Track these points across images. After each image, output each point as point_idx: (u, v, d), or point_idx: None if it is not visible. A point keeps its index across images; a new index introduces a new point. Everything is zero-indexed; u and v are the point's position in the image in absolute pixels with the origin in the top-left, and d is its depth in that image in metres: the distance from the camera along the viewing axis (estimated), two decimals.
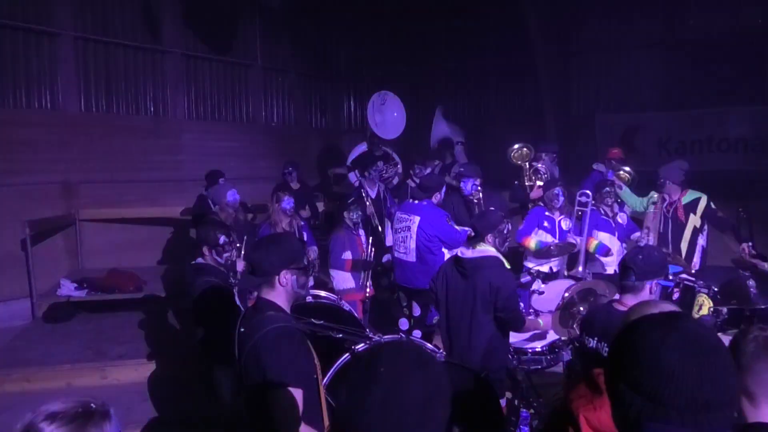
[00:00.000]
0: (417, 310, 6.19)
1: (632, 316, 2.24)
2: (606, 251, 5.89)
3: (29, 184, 7.81)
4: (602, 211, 6.14)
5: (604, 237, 6.01)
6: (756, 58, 9.97)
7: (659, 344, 1.28)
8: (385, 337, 3.33)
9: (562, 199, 6.07)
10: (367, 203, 7.05)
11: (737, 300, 4.74)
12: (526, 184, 7.04)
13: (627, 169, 6.93)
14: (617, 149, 7.60)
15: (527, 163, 7.13)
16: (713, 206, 6.08)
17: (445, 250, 5.80)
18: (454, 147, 9.19)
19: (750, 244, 5.52)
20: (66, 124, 8.39)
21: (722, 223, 6.15)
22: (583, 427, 2.01)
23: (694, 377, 1.23)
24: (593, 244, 5.92)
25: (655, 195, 6.26)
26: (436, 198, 5.88)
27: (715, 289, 4.77)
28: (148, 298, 7.55)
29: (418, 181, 7.77)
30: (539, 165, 7.12)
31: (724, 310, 4.64)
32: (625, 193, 6.45)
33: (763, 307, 4.64)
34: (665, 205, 6.19)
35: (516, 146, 7.26)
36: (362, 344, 3.08)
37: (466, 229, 5.97)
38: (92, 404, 1.62)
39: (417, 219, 5.83)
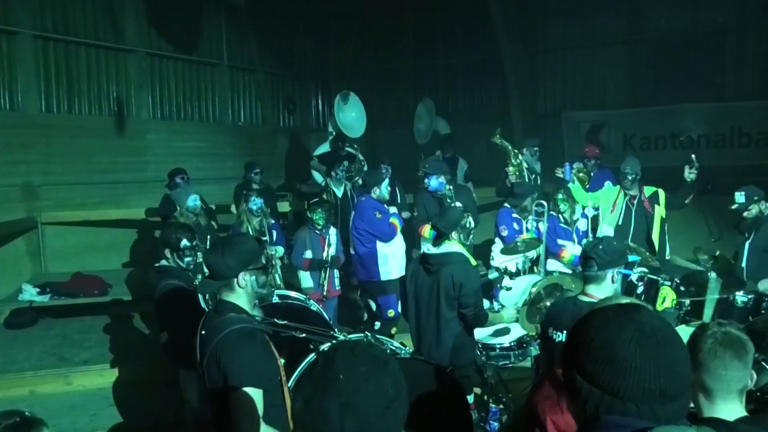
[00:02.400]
0: (374, 305, 6.26)
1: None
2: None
3: None
4: (561, 219, 6.16)
5: (571, 251, 6.02)
6: (715, 56, 10.18)
7: (615, 337, 1.28)
8: (350, 336, 3.31)
9: (528, 200, 6.11)
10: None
11: (699, 292, 4.82)
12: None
13: (579, 165, 6.92)
14: (593, 147, 7.57)
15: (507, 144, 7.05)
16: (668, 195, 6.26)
17: (380, 243, 6.02)
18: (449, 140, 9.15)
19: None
20: (26, 125, 8.20)
21: (679, 198, 6.23)
22: (549, 429, 2.01)
23: (650, 369, 1.24)
24: (569, 257, 5.94)
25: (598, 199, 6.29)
26: (377, 192, 6.06)
27: (678, 281, 4.85)
28: (113, 302, 7.42)
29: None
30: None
31: (687, 301, 4.73)
32: (575, 188, 6.37)
33: (724, 296, 4.73)
34: (628, 199, 6.25)
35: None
36: (327, 344, 3.05)
37: (395, 213, 6.20)
38: (26, 413, 1.61)
39: (353, 214, 6.12)
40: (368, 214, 6.02)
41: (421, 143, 9.03)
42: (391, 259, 6.09)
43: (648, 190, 6.28)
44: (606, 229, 6.17)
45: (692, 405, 1.93)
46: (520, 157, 7.02)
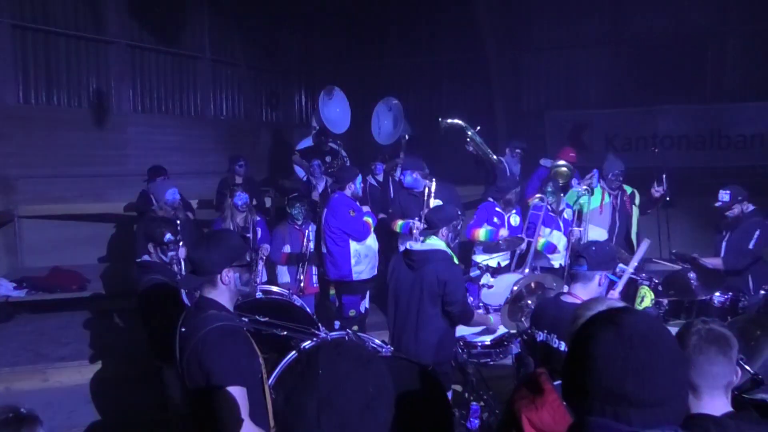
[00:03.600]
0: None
1: (582, 311, 2.28)
2: (553, 249, 5.98)
3: None
4: (549, 208, 6.22)
5: (549, 233, 6.09)
6: (697, 57, 10.31)
7: (592, 336, 1.32)
8: (332, 333, 3.29)
9: (511, 195, 6.15)
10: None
11: (678, 292, 4.88)
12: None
13: (562, 162, 7.03)
14: (570, 150, 7.60)
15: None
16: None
17: (353, 242, 5.90)
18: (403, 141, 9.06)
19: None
20: (3, 116, 8.04)
21: (645, 206, 6.61)
22: (525, 427, 2.03)
23: (616, 370, 1.25)
24: (540, 243, 6.00)
25: (584, 194, 6.36)
26: (350, 189, 5.94)
27: (657, 281, 4.90)
28: (91, 297, 7.32)
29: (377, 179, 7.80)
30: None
31: (665, 301, 4.79)
32: (584, 198, 6.39)
33: (703, 298, 4.80)
34: (611, 199, 6.36)
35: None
36: (308, 341, 3.04)
37: (368, 211, 6.11)
38: (22, 410, 1.58)
39: (325, 211, 5.98)
40: (341, 212, 5.87)
41: (384, 144, 8.89)
42: (363, 259, 5.97)
43: (627, 190, 6.44)
44: (597, 232, 6.22)
45: None
46: (470, 132, 6.99)
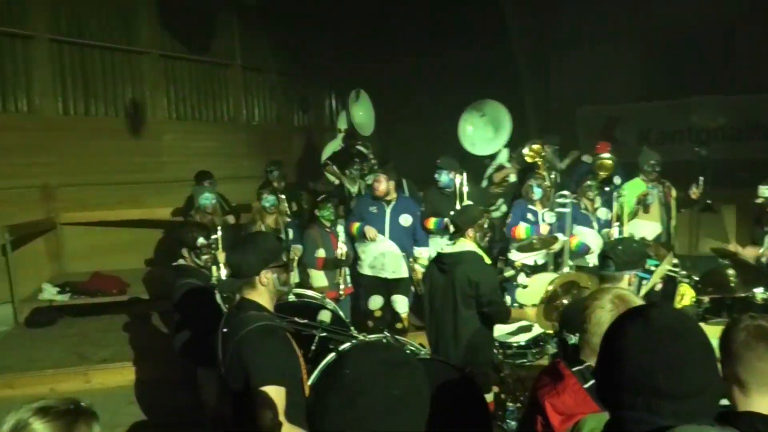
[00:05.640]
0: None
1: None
2: (587, 250, 5.91)
3: (7, 189, 7.71)
4: (582, 205, 6.14)
5: (583, 232, 6.02)
6: (729, 47, 10.08)
7: (620, 329, 1.34)
8: (370, 336, 3.31)
9: (538, 191, 6.09)
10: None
11: (718, 289, 4.78)
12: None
13: (606, 155, 6.88)
14: (606, 144, 7.51)
15: (539, 158, 6.96)
16: None
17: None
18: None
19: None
20: (44, 127, 8.29)
21: (688, 200, 6.49)
22: (549, 413, 2.06)
23: (646, 363, 1.26)
24: (575, 243, 5.94)
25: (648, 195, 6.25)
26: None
27: (696, 279, 4.81)
28: (131, 300, 7.49)
29: None
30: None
31: (706, 299, 4.69)
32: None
33: (743, 295, 4.69)
34: (655, 192, 6.29)
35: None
36: (347, 344, 3.06)
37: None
38: (82, 403, 1.63)
39: None
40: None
41: (484, 155, 8.57)
42: (369, 255, 6.16)
43: (666, 183, 6.37)
44: (650, 226, 6.13)
45: (726, 401, 1.93)
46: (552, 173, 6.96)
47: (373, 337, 3.29)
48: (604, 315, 2.15)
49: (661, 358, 1.26)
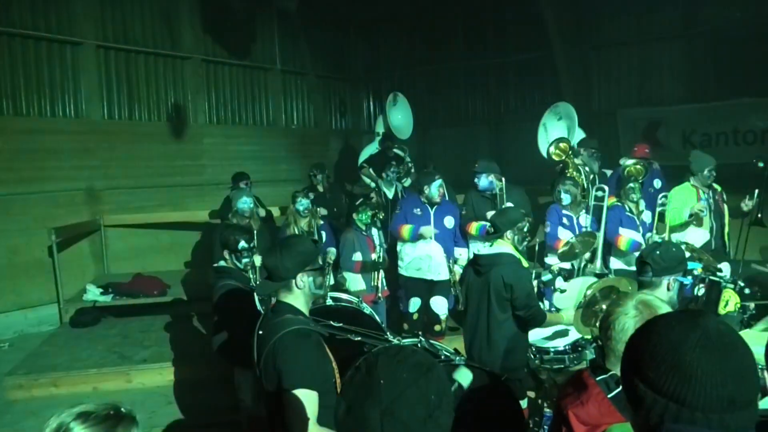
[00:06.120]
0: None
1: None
2: (638, 247, 5.77)
3: (55, 191, 7.97)
4: (627, 208, 6.01)
5: (629, 235, 5.91)
6: None
7: (681, 342, 1.23)
8: (404, 340, 3.30)
9: (566, 197, 5.98)
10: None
11: (765, 294, 4.63)
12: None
13: (631, 162, 6.69)
14: (644, 147, 7.35)
15: (567, 157, 6.92)
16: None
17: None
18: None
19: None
20: (89, 131, 8.53)
21: (739, 212, 6.19)
22: (573, 423, 2.00)
23: (718, 375, 1.18)
24: (625, 241, 5.83)
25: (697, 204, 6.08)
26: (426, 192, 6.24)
27: (742, 284, 4.66)
28: (172, 302, 7.63)
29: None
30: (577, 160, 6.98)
31: (752, 305, 4.54)
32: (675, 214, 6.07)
33: None
34: (707, 197, 6.08)
35: (553, 144, 7.06)
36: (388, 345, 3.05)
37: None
38: (122, 408, 1.64)
39: None
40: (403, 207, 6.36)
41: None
42: (409, 257, 6.22)
43: (717, 188, 6.14)
44: (697, 234, 5.97)
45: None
46: (579, 165, 6.84)
47: (407, 341, 3.28)
48: (628, 321, 2.09)
49: (729, 370, 1.20)
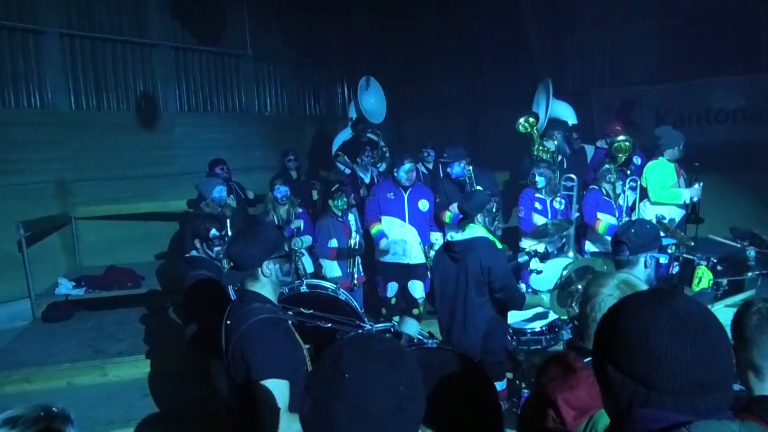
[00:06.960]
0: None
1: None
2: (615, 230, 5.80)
3: (22, 184, 7.76)
4: (603, 191, 6.02)
5: (607, 219, 5.91)
6: (749, 26, 9.82)
7: (649, 324, 1.20)
8: (377, 326, 3.27)
9: (541, 180, 5.98)
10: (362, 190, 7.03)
11: (737, 271, 4.68)
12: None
13: (622, 137, 6.73)
14: (616, 124, 7.41)
15: (534, 131, 6.94)
16: None
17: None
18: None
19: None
20: (57, 122, 8.32)
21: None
22: (562, 408, 1.97)
23: (688, 357, 1.15)
24: (602, 225, 5.84)
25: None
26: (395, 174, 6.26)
27: (714, 261, 4.71)
28: (146, 294, 7.51)
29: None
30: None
31: (724, 281, 4.59)
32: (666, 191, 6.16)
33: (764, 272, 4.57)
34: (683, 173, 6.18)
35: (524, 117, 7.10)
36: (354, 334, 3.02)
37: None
38: (53, 408, 1.57)
39: None
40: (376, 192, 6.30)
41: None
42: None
43: None
44: (673, 208, 6.04)
45: (741, 386, 1.86)
46: (545, 142, 6.88)
47: (380, 326, 3.25)
48: (612, 302, 2.08)
49: (700, 351, 1.16)
